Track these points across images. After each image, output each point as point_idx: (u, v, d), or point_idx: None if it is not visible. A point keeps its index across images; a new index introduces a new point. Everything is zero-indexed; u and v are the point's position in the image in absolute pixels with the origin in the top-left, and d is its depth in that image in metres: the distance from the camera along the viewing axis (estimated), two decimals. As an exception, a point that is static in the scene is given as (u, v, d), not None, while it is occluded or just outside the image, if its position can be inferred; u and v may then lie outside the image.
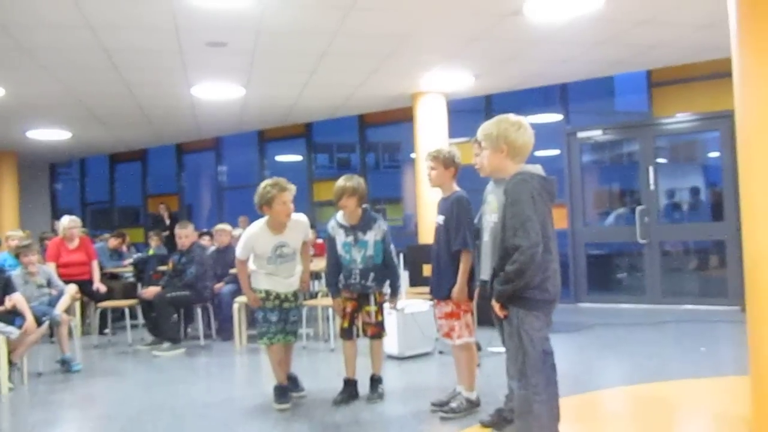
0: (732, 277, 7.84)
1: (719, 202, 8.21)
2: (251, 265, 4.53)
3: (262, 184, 4.35)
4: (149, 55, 6.60)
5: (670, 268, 8.74)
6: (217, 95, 8.38)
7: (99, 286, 7.65)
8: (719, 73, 7.60)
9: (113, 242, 9.35)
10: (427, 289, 4.67)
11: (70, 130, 10.57)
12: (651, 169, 8.44)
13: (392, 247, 4.50)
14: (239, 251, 4.53)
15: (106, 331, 7.58)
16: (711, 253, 8.69)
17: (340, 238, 4.40)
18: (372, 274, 4.37)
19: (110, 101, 8.61)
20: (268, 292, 4.47)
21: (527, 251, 2.76)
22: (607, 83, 9.54)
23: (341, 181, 4.32)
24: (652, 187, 8.44)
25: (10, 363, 5.34)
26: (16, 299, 5.48)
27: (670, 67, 8.07)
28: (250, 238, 4.44)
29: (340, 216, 4.44)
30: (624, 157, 10.11)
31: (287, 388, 4.59)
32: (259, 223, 4.45)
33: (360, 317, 4.52)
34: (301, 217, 4.59)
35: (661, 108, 8.54)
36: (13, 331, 5.33)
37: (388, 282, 4.53)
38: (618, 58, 7.49)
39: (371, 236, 4.36)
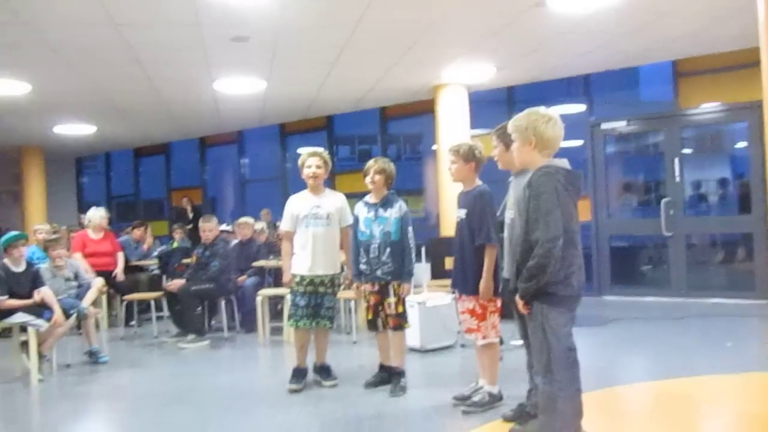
0: (760, 271, 7.73)
1: (746, 194, 8.07)
2: (295, 246, 4.76)
3: (302, 152, 4.87)
4: (172, 50, 6.66)
5: (696, 261, 8.62)
6: (239, 89, 8.43)
7: (118, 273, 7.76)
8: (747, 63, 7.47)
9: (137, 233, 9.46)
10: (449, 281, 4.67)
11: (95, 125, 10.72)
12: (677, 161, 8.32)
13: (410, 230, 4.60)
14: (283, 223, 4.86)
15: (132, 323, 7.71)
16: (738, 246, 8.56)
17: (362, 214, 4.63)
18: (388, 250, 4.50)
19: (134, 97, 8.71)
20: (302, 278, 4.67)
21: (546, 244, 2.74)
22: (632, 73, 9.40)
23: (372, 161, 4.63)
24: (677, 178, 8.32)
25: (40, 355, 5.46)
26: (44, 293, 5.59)
27: (696, 57, 7.94)
28: (290, 203, 4.84)
29: (367, 197, 4.69)
30: (649, 148, 9.98)
31: (304, 371, 4.79)
32: (301, 192, 4.89)
33: (384, 309, 4.59)
34: (338, 193, 5.01)
35: (686, 98, 8.40)
36: (42, 324, 5.44)
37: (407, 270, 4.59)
38: (643, 49, 7.39)
39: (391, 213, 4.56)
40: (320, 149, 4.87)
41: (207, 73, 7.59)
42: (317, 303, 4.72)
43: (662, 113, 8.73)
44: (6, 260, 5.59)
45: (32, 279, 5.65)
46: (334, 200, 4.84)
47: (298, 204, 4.78)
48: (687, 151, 8.79)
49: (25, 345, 5.50)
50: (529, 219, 2.85)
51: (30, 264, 5.87)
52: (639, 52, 7.57)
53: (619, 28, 6.56)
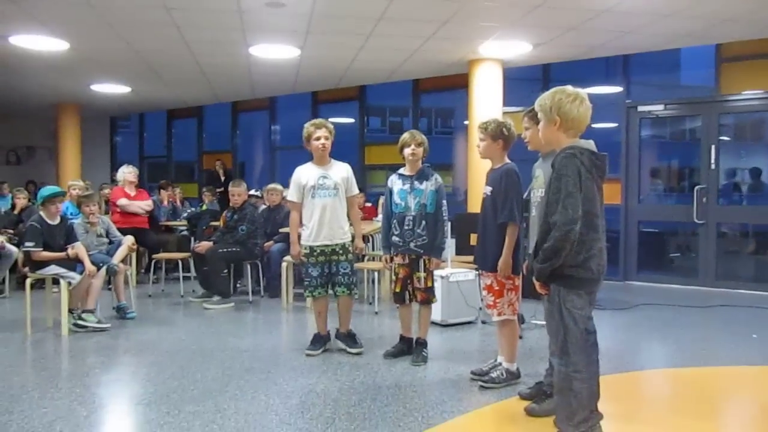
0: (791, 264, 7.59)
1: (784, 185, 7.89)
2: (303, 217, 4.81)
3: (306, 124, 4.87)
4: (209, 14, 6.67)
5: (726, 250, 8.48)
6: (274, 55, 8.43)
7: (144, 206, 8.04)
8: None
9: (164, 194, 9.63)
10: (473, 257, 4.69)
11: (130, 85, 10.84)
12: (713, 148, 8.15)
13: (445, 203, 4.60)
14: (290, 194, 4.89)
15: (154, 277, 7.78)
16: (771, 238, 8.40)
17: (397, 186, 4.61)
18: (424, 222, 4.50)
19: (170, 59, 8.77)
20: (311, 248, 4.73)
21: (562, 227, 2.72)
22: (673, 56, 9.16)
23: (407, 134, 4.59)
24: (713, 166, 8.16)
25: (70, 311, 5.61)
26: (77, 248, 5.73)
27: (740, 41, 7.71)
28: (297, 173, 4.88)
29: (401, 169, 4.67)
30: (686, 133, 9.77)
31: (324, 338, 4.90)
32: (306, 163, 4.91)
33: (412, 283, 4.61)
34: (344, 163, 4.95)
35: (728, 84, 8.18)
36: (75, 277, 5.60)
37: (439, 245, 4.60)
38: (687, 30, 7.19)
39: (427, 186, 4.54)
40: (325, 120, 4.89)
41: (242, 37, 7.59)
42: (331, 271, 4.78)
43: (701, 98, 8.52)
44: (42, 213, 5.74)
45: (66, 233, 5.79)
46: (340, 170, 4.85)
47: (305, 175, 4.80)
48: (725, 138, 8.59)
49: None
50: (549, 200, 2.84)
51: (64, 218, 6.01)
52: (683, 34, 7.36)
53: (664, 8, 6.39)
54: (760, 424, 3.67)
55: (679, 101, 8.81)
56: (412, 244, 4.52)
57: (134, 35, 7.55)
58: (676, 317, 6.38)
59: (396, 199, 4.59)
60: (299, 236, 4.89)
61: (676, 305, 6.93)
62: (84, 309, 5.65)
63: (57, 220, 5.79)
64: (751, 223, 8.65)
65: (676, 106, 8.75)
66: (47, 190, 5.90)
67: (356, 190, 4.95)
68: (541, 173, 3.52)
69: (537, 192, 3.55)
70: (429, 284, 4.61)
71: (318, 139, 4.75)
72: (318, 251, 4.74)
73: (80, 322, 5.58)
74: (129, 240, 6.50)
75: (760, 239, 8.63)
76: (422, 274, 4.57)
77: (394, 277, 4.71)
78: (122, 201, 7.86)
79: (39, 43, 7.72)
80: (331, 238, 4.73)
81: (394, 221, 4.58)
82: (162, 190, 9.72)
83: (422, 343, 4.68)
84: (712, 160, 8.15)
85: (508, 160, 4.07)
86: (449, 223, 6.53)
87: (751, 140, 9.75)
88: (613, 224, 8.43)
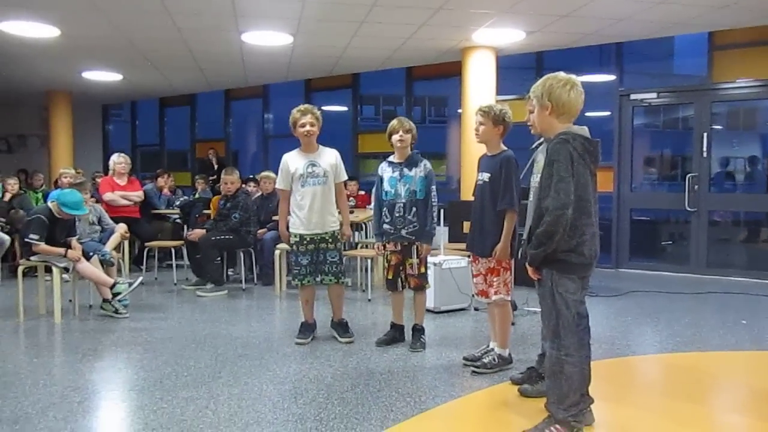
0: (782, 251, 7.65)
1: (775, 174, 7.93)
2: (292, 205, 4.77)
3: (293, 110, 4.78)
4: (201, 0, 6.62)
5: (718, 238, 8.53)
6: (266, 42, 8.38)
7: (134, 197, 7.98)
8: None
9: (161, 182, 9.59)
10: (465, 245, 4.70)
11: (122, 73, 10.76)
12: (705, 136, 8.17)
13: (434, 189, 4.60)
14: (278, 181, 4.86)
15: (141, 267, 7.76)
16: (762, 226, 8.44)
17: (387, 174, 4.61)
18: (414, 209, 4.51)
19: (162, 46, 8.70)
20: (301, 237, 4.70)
21: (554, 212, 2.75)
22: (666, 44, 9.17)
23: (395, 121, 4.59)
24: (704, 154, 8.18)
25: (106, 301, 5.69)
26: (71, 254, 5.60)
27: (733, 29, 7.71)
28: (284, 161, 4.81)
29: (391, 157, 4.68)
30: (678, 121, 9.80)
31: (311, 326, 4.92)
32: (293, 150, 4.85)
33: (404, 270, 4.62)
34: (332, 150, 4.89)
35: (721, 72, 8.19)
36: (64, 261, 5.54)
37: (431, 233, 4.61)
38: (680, 18, 7.19)
39: (416, 172, 4.55)
40: (311, 106, 4.81)
41: (234, 24, 7.54)
42: (320, 260, 4.76)
43: (694, 86, 8.53)
44: (51, 205, 5.64)
45: (69, 226, 5.74)
46: (329, 157, 4.80)
47: (293, 162, 4.74)
48: (717, 126, 8.61)
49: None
50: (542, 186, 2.86)
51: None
52: (676, 22, 7.36)
53: (656, -4, 6.39)
54: (750, 408, 3.71)
55: (672, 89, 8.82)
56: (403, 231, 4.53)
57: (125, 22, 7.48)
58: (667, 304, 6.42)
59: (386, 186, 4.59)
60: (287, 225, 4.87)
61: (667, 292, 6.98)
62: (103, 299, 5.72)
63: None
64: (743, 210, 8.70)
65: (669, 94, 8.76)
66: (70, 201, 5.53)
67: (344, 177, 4.93)
68: (540, 158, 3.53)
69: (536, 177, 3.57)
70: (422, 270, 4.62)
71: (303, 125, 4.67)
72: (308, 239, 4.72)
73: (107, 311, 5.73)
74: (122, 228, 6.49)
75: (752, 227, 8.68)
76: (415, 261, 4.58)
77: (386, 264, 4.72)
78: (108, 196, 7.78)
79: (29, 29, 7.65)
80: (322, 226, 4.71)
81: (385, 209, 4.58)
82: (159, 179, 9.67)
83: (420, 329, 4.70)
84: (704, 148, 8.17)
85: (504, 147, 4.08)
86: (442, 210, 6.57)
87: (743, 128, 9.79)
88: (605, 212, 8.46)
